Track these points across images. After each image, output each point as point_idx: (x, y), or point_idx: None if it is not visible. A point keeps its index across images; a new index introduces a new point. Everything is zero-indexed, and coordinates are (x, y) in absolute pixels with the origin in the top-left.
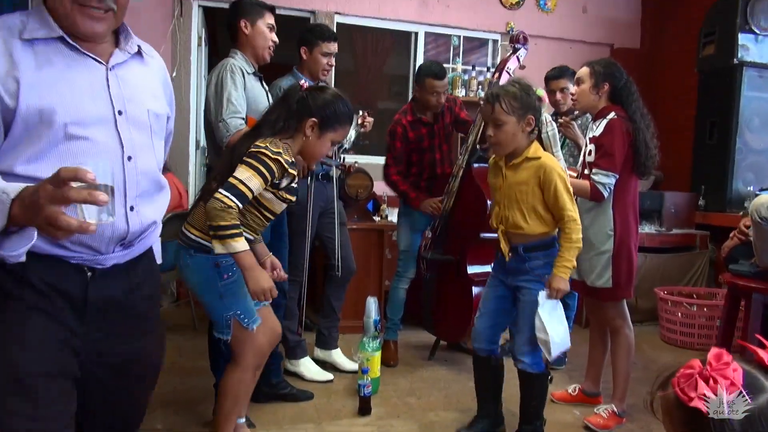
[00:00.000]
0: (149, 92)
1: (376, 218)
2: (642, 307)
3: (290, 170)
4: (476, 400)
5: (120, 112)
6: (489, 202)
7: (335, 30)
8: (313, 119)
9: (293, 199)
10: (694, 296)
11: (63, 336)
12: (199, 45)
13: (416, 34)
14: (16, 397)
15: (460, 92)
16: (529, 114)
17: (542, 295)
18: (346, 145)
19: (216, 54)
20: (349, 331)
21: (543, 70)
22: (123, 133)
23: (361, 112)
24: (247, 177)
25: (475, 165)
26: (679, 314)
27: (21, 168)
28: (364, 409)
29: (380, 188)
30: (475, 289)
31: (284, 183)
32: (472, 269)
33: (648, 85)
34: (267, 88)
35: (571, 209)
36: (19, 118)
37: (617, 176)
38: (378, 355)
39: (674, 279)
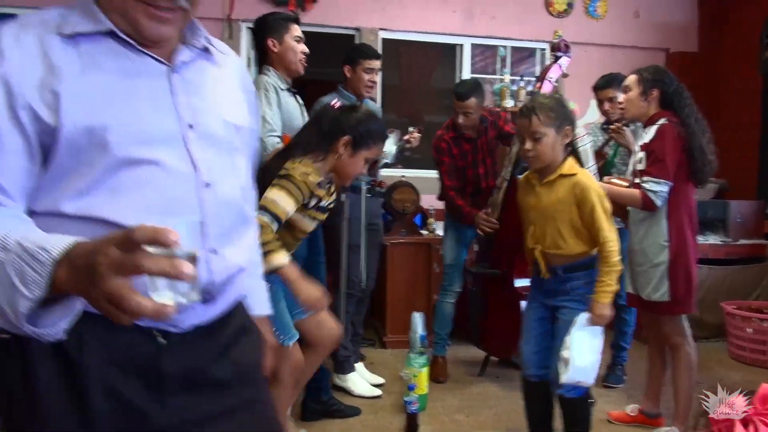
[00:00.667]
0: (226, 98)
1: (424, 232)
2: (708, 322)
3: (317, 191)
4: (527, 423)
5: (191, 126)
6: None
7: (380, 45)
8: (347, 137)
9: (323, 217)
10: (765, 311)
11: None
12: (249, 66)
13: (461, 46)
14: None
15: (509, 103)
16: (566, 125)
17: (583, 317)
18: (388, 160)
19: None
20: (397, 347)
21: (593, 78)
22: (195, 153)
23: (410, 129)
24: (278, 198)
25: (519, 176)
26: (749, 330)
27: (70, 206)
28: (411, 426)
29: (427, 202)
30: (522, 303)
31: (312, 203)
32: (519, 282)
33: (708, 90)
34: (302, 103)
35: (608, 231)
36: (63, 139)
37: (670, 184)
38: (425, 371)
39: (742, 292)
